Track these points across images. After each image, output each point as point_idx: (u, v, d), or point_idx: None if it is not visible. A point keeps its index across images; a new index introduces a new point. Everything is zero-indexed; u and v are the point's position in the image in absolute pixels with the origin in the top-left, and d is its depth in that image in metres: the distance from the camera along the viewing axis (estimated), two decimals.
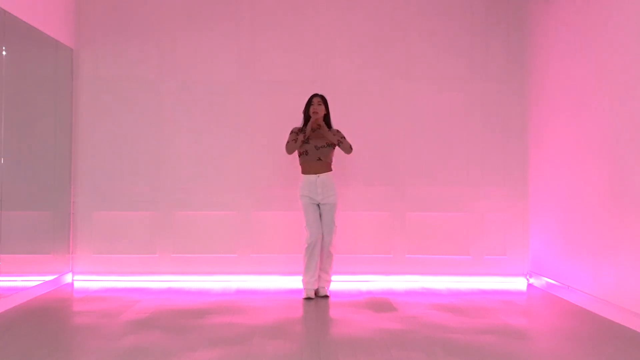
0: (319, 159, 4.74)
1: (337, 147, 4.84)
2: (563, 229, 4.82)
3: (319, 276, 4.79)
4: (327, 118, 4.81)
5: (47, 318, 4.07)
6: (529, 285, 5.35)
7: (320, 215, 4.75)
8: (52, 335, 3.63)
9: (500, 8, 5.56)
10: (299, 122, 4.92)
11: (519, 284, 5.40)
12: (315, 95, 4.79)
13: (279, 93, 5.51)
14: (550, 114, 5.08)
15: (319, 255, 4.73)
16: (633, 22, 3.90)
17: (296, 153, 4.83)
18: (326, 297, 4.75)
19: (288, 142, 4.75)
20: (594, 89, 4.37)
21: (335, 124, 4.99)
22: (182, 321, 3.95)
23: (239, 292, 4.99)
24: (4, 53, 4.31)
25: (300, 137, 4.71)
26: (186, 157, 5.50)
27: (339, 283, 5.21)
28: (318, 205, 4.75)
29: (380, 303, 4.58)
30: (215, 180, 5.49)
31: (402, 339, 3.54)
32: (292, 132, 4.79)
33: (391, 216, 5.51)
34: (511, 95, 5.53)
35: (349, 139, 5.00)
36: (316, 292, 4.79)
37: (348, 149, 4.76)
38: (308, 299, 4.68)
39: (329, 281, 4.85)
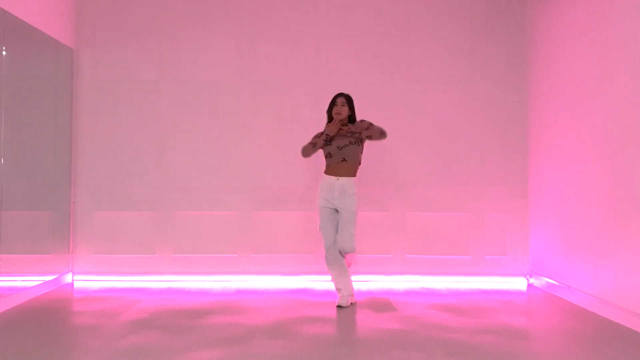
0: (344, 159, 4.41)
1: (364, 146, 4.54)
2: (563, 229, 4.83)
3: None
4: (351, 118, 4.49)
5: (47, 318, 4.07)
6: (529, 285, 5.35)
7: (336, 222, 4.44)
8: (52, 335, 3.63)
9: (500, 8, 5.56)
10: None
11: (519, 284, 5.40)
12: (340, 94, 4.50)
13: (279, 93, 5.52)
14: (550, 114, 5.08)
15: (342, 258, 4.42)
16: (632, 21, 3.90)
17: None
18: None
19: (306, 145, 4.51)
20: (593, 89, 4.37)
21: None
22: (182, 321, 3.95)
23: (239, 292, 4.99)
24: (4, 53, 4.32)
25: (319, 141, 4.44)
26: (186, 157, 5.51)
27: None
28: (336, 210, 4.44)
29: (380, 303, 4.58)
30: (216, 180, 5.50)
31: (402, 338, 3.54)
32: (315, 136, 4.53)
33: (391, 216, 5.51)
34: (511, 95, 5.54)
35: None
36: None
37: (379, 134, 4.39)
38: (340, 307, 4.34)
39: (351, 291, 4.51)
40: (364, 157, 5.43)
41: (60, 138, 5.24)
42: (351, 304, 4.44)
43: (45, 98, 5.03)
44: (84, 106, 5.50)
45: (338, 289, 4.45)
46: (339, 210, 4.43)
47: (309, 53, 5.55)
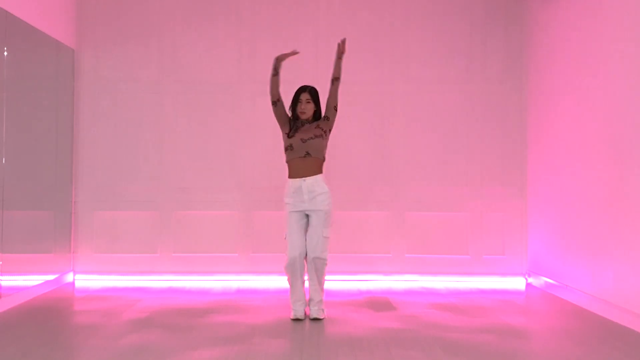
0: (307, 153, 3.96)
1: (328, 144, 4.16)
2: (561, 229, 4.85)
3: (311, 299, 4.04)
4: (317, 114, 4.13)
5: (48, 317, 4.09)
6: (528, 285, 5.37)
7: (306, 226, 4.00)
8: (53, 334, 3.65)
9: (499, 8, 5.57)
10: None
11: (517, 283, 5.42)
12: (304, 90, 4.11)
13: None
14: (548, 114, 5.10)
15: (306, 271, 4.00)
16: (631, 21, 3.92)
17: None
18: (318, 319, 4.00)
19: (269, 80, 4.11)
20: (592, 89, 4.39)
21: (335, 123, 4.97)
22: (183, 320, 3.97)
23: (240, 292, 5.01)
24: (5, 54, 4.33)
25: (276, 64, 4.07)
26: (187, 157, 5.53)
27: (339, 282, 5.24)
28: (306, 214, 3.99)
29: (379, 302, 4.60)
30: (216, 180, 5.52)
31: (402, 338, 3.56)
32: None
33: (391, 216, 5.53)
34: (510, 96, 5.55)
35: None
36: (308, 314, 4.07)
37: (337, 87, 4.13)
38: (297, 319, 3.97)
39: (322, 301, 4.07)
40: (364, 157, 5.46)
41: (61, 138, 5.26)
42: (299, 319, 3.99)
43: (47, 98, 5.05)
44: (85, 106, 5.51)
45: (293, 302, 4.02)
46: (309, 213, 3.98)
47: (309, 53, 5.56)
